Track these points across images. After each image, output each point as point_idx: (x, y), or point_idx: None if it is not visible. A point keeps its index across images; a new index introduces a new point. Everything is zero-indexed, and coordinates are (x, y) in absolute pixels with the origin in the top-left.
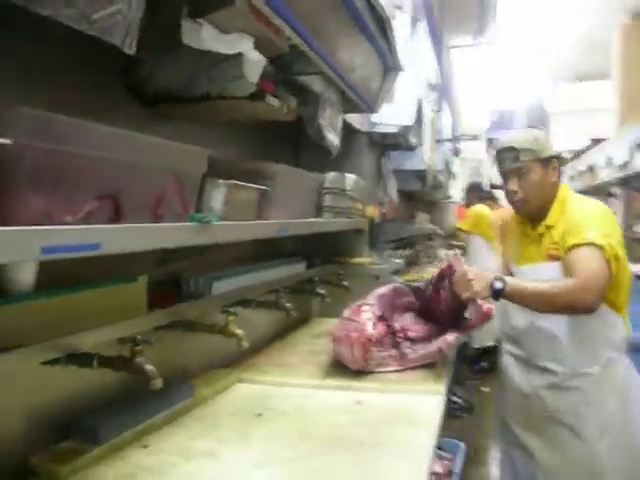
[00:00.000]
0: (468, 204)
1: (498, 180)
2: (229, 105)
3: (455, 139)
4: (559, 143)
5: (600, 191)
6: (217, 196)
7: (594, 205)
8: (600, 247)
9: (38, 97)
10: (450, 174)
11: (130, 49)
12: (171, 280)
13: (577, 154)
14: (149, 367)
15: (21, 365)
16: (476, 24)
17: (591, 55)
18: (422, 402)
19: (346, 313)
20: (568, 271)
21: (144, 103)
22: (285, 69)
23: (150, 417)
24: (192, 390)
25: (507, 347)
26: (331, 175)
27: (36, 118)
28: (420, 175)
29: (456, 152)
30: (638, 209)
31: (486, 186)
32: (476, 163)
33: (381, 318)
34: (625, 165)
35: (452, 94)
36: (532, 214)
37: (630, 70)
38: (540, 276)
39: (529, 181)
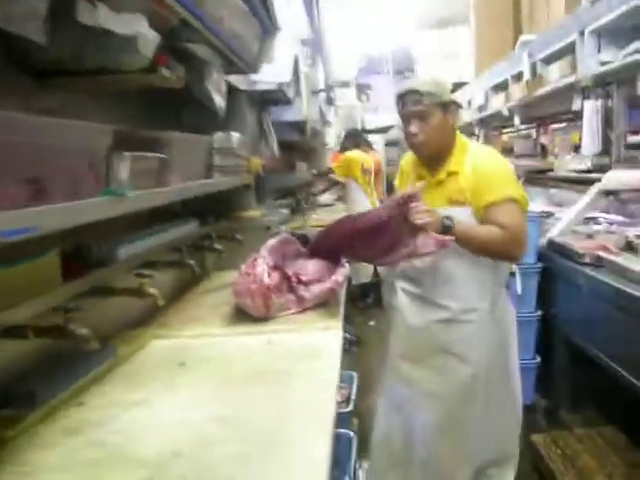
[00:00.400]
0: (343, 150)
1: (371, 125)
2: (122, 78)
3: (328, 88)
4: None
5: (464, 130)
6: (124, 168)
7: (497, 158)
8: (517, 201)
9: None
10: (325, 122)
11: (39, 38)
12: (77, 251)
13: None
14: (84, 331)
15: None
16: None
17: (451, 2)
18: (323, 337)
19: (243, 268)
20: (493, 224)
21: (30, 76)
22: (173, 39)
23: (79, 377)
24: (113, 350)
25: (401, 284)
26: (218, 135)
27: None
28: (298, 126)
29: (330, 101)
30: (496, 146)
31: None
32: (349, 109)
33: (275, 267)
34: (482, 107)
35: (323, 46)
36: (432, 157)
37: (484, 19)
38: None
39: (430, 124)
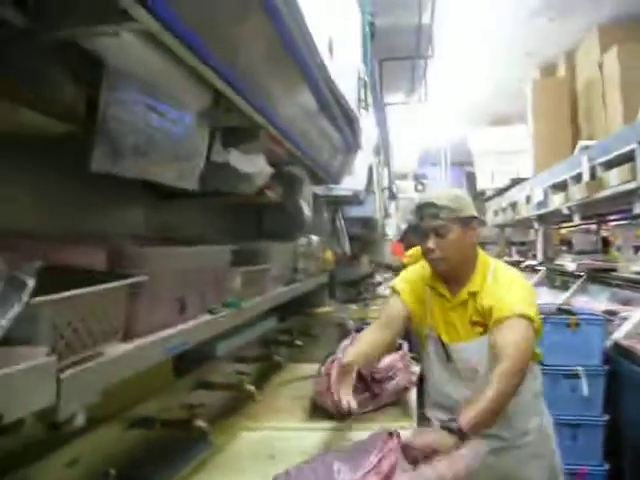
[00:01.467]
0: (408, 245)
1: None
2: (233, 199)
3: (390, 184)
4: (483, 182)
5: (522, 224)
6: (237, 280)
7: (515, 276)
8: (526, 317)
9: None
10: (387, 215)
11: (193, 186)
12: None
13: (500, 192)
14: (205, 425)
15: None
16: (409, 84)
17: (506, 102)
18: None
19: (323, 369)
20: (496, 337)
21: (157, 196)
22: (276, 166)
23: (183, 466)
24: (210, 442)
25: (438, 415)
26: (301, 241)
27: (137, 253)
28: (363, 220)
29: (392, 196)
30: (555, 242)
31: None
32: (408, 201)
33: None
34: (541, 204)
35: (388, 145)
36: (450, 274)
37: (541, 120)
38: (473, 354)
39: (447, 239)
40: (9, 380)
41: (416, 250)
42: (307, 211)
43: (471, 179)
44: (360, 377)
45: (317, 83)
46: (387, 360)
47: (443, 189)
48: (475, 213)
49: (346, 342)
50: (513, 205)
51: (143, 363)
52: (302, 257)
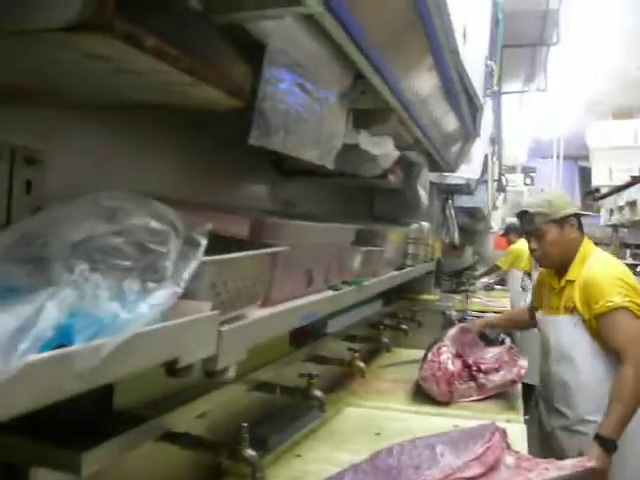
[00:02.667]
0: (509, 242)
1: None
2: (356, 181)
3: (500, 176)
4: (599, 178)
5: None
6: (357, 260)
7: (609, 266)
8: (625, 308)
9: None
10: (494, 207)
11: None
12: None
13: (617, 189)
14: (321, 395)
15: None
16: (528, 72)
17: (629, 94)
18: (508, 429)
19: (429, 356)
20: (607, 337)
21: (281, 174)
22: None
23: (297, 432)
24: (323, 412)
25: (538, 387)
26: (414, 227)
27: (281, 225)
28: (472, 211)
29: (501, 188)
30: None
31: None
32: (515, 195)
33: (457, 355)
34: None
35: (500, 136)
36: (555, 268)
37: None
38: (556, 327)
39: (545, 241)
40: (183, 329)
41: (512, 250)
42: (424, 198)
43: (584, 174)
44: (465, 365)
45: (449, 69)
46: (493, 352)
47: (535, 195)
48: (570, 210)
49: (452, 331)
50: (631, 204)
51: (282, 328)
52: (413, 243)
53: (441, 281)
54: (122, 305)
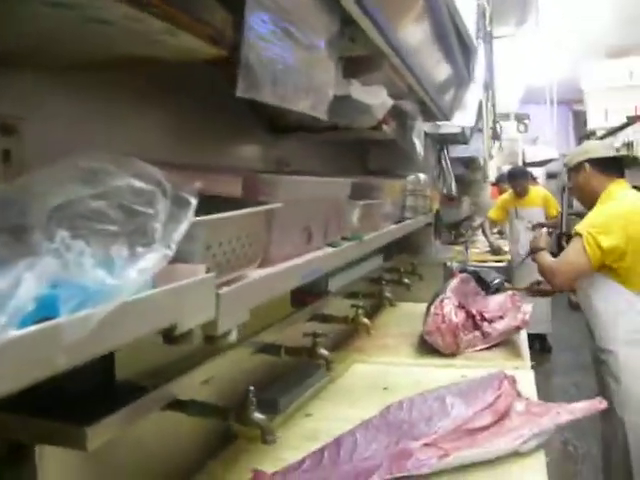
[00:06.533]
0: (501, 191)
1: (531, 158)
2: (349, 134)
3: (494, 123)
4: (595, 120)
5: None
6: (356, 214)
7: (619, 204)
8: (580, 235)
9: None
10: (489, 156)
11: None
12: None
13: (613, 131)
14: (327, 354)
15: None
16: (518, 15)
17: (626, 31)
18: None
19: (432, 309)
20: None
21: (272, 132)
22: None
23: (305, 392)
24: (330, 371)
25: None
26: (410, 178)
27: (275, 182)
28: (467, 161)
29: (495, 136)
30: None
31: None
32: (510, 142)
33: (460, 306)
34: None
35: (492, 82)
36: (588, 209)
37: None
38: None
39: (573, 187)
40: (179, 294)
41: (500, 201)
42: (419, 148)
43: (579, 118)
44: (469, 316)
45: (441, 10)
46: (496, 300)
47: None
48: (581, 157)
49: (454, 282)
50: (628, 145)
51: (283, 287)
52: (411, 195)
53: (440, 233)
54: (109, 272)
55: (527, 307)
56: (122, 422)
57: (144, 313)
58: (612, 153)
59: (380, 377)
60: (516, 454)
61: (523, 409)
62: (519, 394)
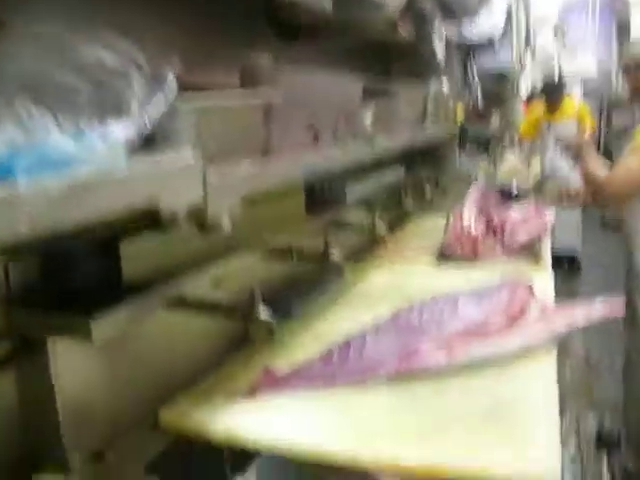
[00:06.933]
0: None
1: (569, 71)
2: (365, 34)
3: (527, 29)
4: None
5: None
6: (369, 116)
7: None
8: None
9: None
10: (522, 67)
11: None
12: (313, 190)
13: None
14: (339, 257)
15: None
16: None
17: None
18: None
19: (451, 219)
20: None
21: (283, 36)
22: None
23: (321, 297)
24: (345, 277)
25: None
26: (432, 83)
27: (277, 73)
28: (497, 74)
29: (527, 42)
30: None
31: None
32: (546, 55)
33: (480, 215)
34: None
35: None
36: None
37: None
38: None
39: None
40: (158, 170)
41: (530, 119)
42: (440, 51)
43: (622, 29)
44: (490, 226)
45: None
46: (519, 209)
47: None
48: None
49: (475, 192)
50: None
51: (280, 178)
52: (432, 101)
53: (466, 146)
54: (75, 141)
55: (549, 213)
56: (128, 317)
57: (116, 187)
58: None
59: (397, 284)
60: (527, 353)
61: (538, 312)
62: (535, 298)
